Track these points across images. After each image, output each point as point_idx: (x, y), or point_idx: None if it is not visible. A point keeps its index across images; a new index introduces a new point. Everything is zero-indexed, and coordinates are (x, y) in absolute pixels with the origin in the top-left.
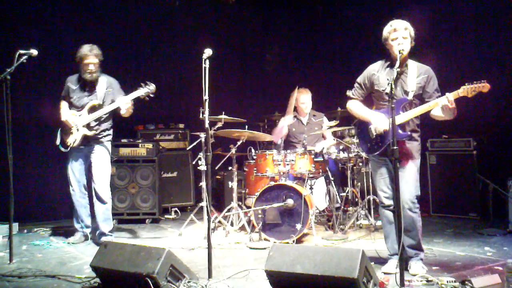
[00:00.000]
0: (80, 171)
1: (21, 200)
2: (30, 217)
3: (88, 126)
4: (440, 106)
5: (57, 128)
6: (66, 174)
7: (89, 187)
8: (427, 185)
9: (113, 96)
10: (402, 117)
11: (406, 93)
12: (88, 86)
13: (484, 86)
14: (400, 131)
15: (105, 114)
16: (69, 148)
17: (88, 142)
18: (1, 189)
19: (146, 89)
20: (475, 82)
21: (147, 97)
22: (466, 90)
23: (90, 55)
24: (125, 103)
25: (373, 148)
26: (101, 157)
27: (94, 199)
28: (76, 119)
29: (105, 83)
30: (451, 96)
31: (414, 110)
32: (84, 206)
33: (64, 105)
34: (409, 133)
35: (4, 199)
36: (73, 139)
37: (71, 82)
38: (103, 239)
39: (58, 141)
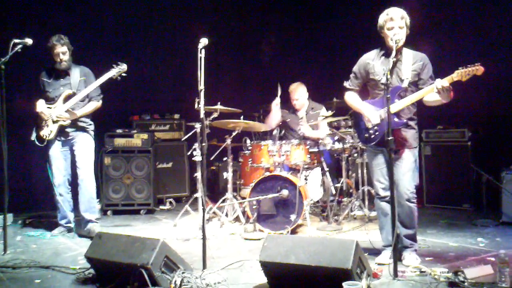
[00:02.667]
0: (64, 165)
1: (16, 191)
2: (25, 207)
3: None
4: (435, 91)
5: (33, 124)
6: (49, 170)
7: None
8: (421, 176)
9: (87, 85)
10: (397, 105)
11: (402, 80)
12: (62, 76)
13: (478, 69)
14: (396, 119)
15: (81, 101)
16: (45, 142)
17: (67, 133)
18: None
19: (118, 69)
20: (469, 65)
21: (119, 77)
22: (460, 74)
23: (58, 44)
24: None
25: (370, 138)
26: (83, 145)
27: (79, 187)
28: (51, 111)
29: (79, 72)
30: (445, 82)
31: (409, 97)
32: (68, 201)
33: (40, 101)
34: (405, 120)
35: None
36: (49, 131)
37: (44, 76)
38: (89, 226)
39: (33, 137)
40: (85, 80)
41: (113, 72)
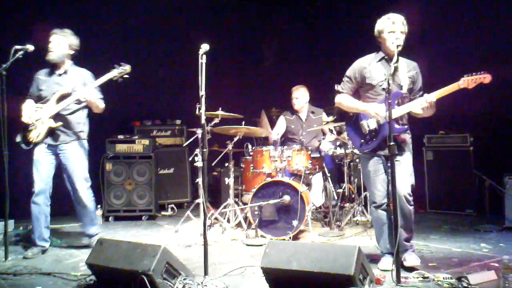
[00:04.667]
0: (48, 173)
1: (17, 197)
2: (26, 214)
3: (54, 118)
4: (424, 106)
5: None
6: (31, 175)
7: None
8: (423, 181)
9: (85, 86)
10: (397, 111)
11: (400, 87)
12: (59, 75)
13: (485, 77)
14: (396, 125)
15: (76, 103)
16: (31, 145)
17: (56, 138)
18: None
19: (120, 70)
20: (474, 73)
21: (120, 78)
22: (466, 81)
23: (55, 33)
24: (83, 94)
25: (367, 144)
26: (76, 156)
27: (75, 204)
28: (41, 112)
29: (76, 73)
30: (432, 97)
31: (408, 105)
32: (45, 215)
33: (27, 102)
34: (406, 126)
35: None
36: (37, 133)
37: (41, 74)
38: (91, 240)
39: (18, 139)
40: (83, 82)
41: (113, 73)
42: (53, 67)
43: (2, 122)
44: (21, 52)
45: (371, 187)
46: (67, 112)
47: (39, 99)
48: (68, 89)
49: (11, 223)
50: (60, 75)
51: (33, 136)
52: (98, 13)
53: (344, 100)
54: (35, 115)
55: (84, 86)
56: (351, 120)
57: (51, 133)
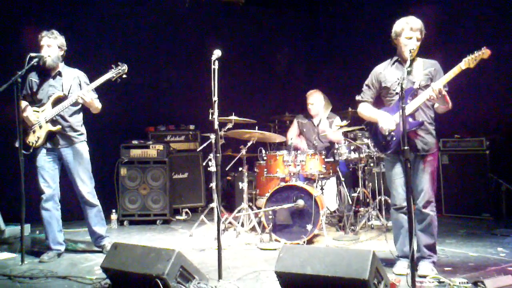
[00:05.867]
0: (53, 178)
1: (33, 201)
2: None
3: (52, 121)
4: (428, 96)
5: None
6: (37, 182)
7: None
8: (439, 185)
9: (80, 88)
10: (411, 105)
11: (413, 83)
12: (52, 77)
13: (484, 53)
14: (410, 119)
15: (73, 106)
16: (31, 150)
17: (56, 142)
18: (13, 191)
19: (118, 70)
20: (475, 51)
21: (118, 78)
22: (467, 61)
23: (46, 37)
24: (87, 91)
25: (387, 146)
26: (77, 158)
27: (82, 205)
28: (38, 115)
29: (71, 75)
30: (436, 85)
31: (418, 98)
32: (57, 219)
33: (23, 103)
34: (421, 120)
35: (16, 201)
36: (36, 138)
37: (34, 76)
38: (103, 242)
39: (17, 143)
40: (78, 83)
41: (111, 74)
42: (45, 69)
43: (17, 128)
44: (35, 60)
45: (391, 190)
46: (65, 114)
47: (33, 102)
48: (64, 91)
49: (27, 227)
50: (54, 77)
51: (32, 140)
52: (112, 21)
53: (362, 109)
54: (33, 118)
55: (79, 87)
56: (374, 124)
57: (51, 137)
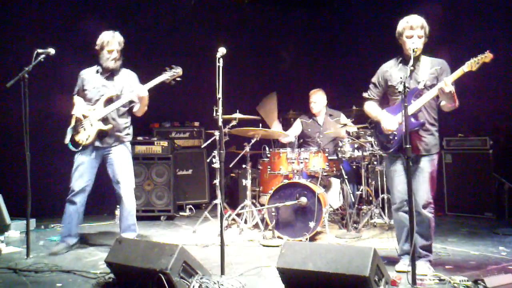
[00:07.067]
0: (91, 174)
1: (39, 196)
2: (47, 213)
3: (103, 120)
4: (437, 89)
5: (67, 125)
6: (72, 176)
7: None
8: (442, 184)
9: (131, 89)
10: (414, 106)
11: (418, 83)
12: (107, 77)
13: (487, 56)
14: (413, 119)
15: (123, 107)
16: (81, 147)
17: (105, 141)
18: (19, 185)
19: (172, 73)
20: (478, 55)
21: (173, 81)
22: (470, 64)
23: (113, 41)
24: (142, 92)
25: (389, 145)
26: (123, 158)
27: (120, 207)
28: (90, 114)
29: (124, 75)
30: (448, 80)
31: (423, 96)
32: (79, 214)
33: (78, 99)
34: (422, 121)
35: (21, 195)
36: (86, 136)
37: (87, 75)
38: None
39: (67, 140)
40: (130, 84)
41: (165, 76)
42: (102, 66)
43: (24, 125)
44: (42, 56)
45: (392, 189)
46: (116, 115)
47: (84, 100)
48: (116, 91)
49: (32, 221)
50: (107, 77)
51: (82, 138)
52: (118, 16)
53: (368, 107)
54: (87, 114)
55: (130, 89)
56: (378, 123)
57: (100, 136)
